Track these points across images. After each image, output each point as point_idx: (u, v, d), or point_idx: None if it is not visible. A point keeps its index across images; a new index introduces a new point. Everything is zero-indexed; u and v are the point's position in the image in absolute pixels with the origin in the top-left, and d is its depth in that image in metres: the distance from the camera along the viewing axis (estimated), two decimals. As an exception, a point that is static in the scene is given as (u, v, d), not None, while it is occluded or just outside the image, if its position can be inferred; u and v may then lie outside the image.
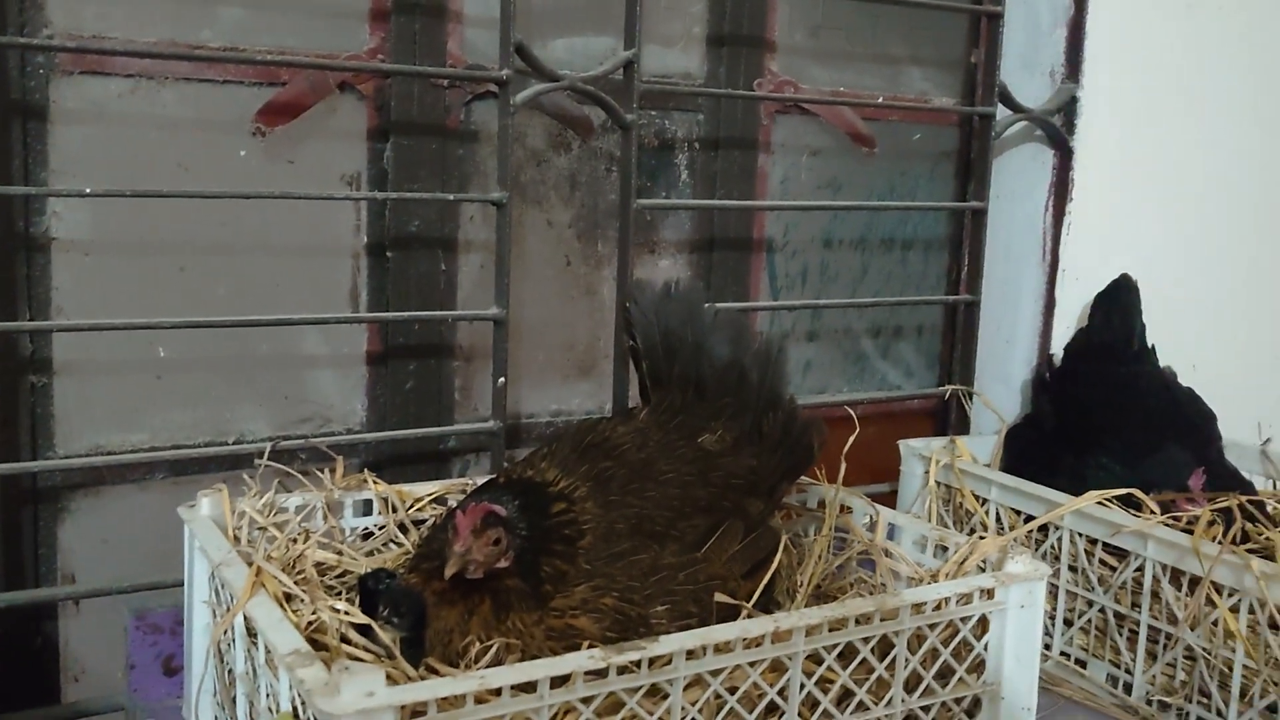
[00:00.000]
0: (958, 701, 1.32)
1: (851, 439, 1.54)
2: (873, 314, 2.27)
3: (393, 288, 1.83)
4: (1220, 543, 1.48)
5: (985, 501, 1.80)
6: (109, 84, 1.62)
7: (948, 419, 2.20)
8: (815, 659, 1.22)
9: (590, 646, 1.15)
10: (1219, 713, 1.49)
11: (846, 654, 1.24)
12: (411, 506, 1.53)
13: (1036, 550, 1.72)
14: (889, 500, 2.01)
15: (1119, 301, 2.03)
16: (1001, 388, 2.22)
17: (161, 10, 1.63)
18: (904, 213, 2.27)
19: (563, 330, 1.98)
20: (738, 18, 2.04)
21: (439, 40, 1.81)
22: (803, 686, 1.20)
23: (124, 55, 1.58)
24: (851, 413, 1.59)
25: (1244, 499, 1.56)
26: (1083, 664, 1.66)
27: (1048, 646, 1.70)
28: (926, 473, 1.88)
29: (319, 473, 1.53)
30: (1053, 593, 1.69)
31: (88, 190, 1.49)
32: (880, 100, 2.18)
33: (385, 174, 1.81)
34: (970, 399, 2.15)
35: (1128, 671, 1.60)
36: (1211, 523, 1.53)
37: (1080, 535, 1.65)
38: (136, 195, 1.52)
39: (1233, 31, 2.24)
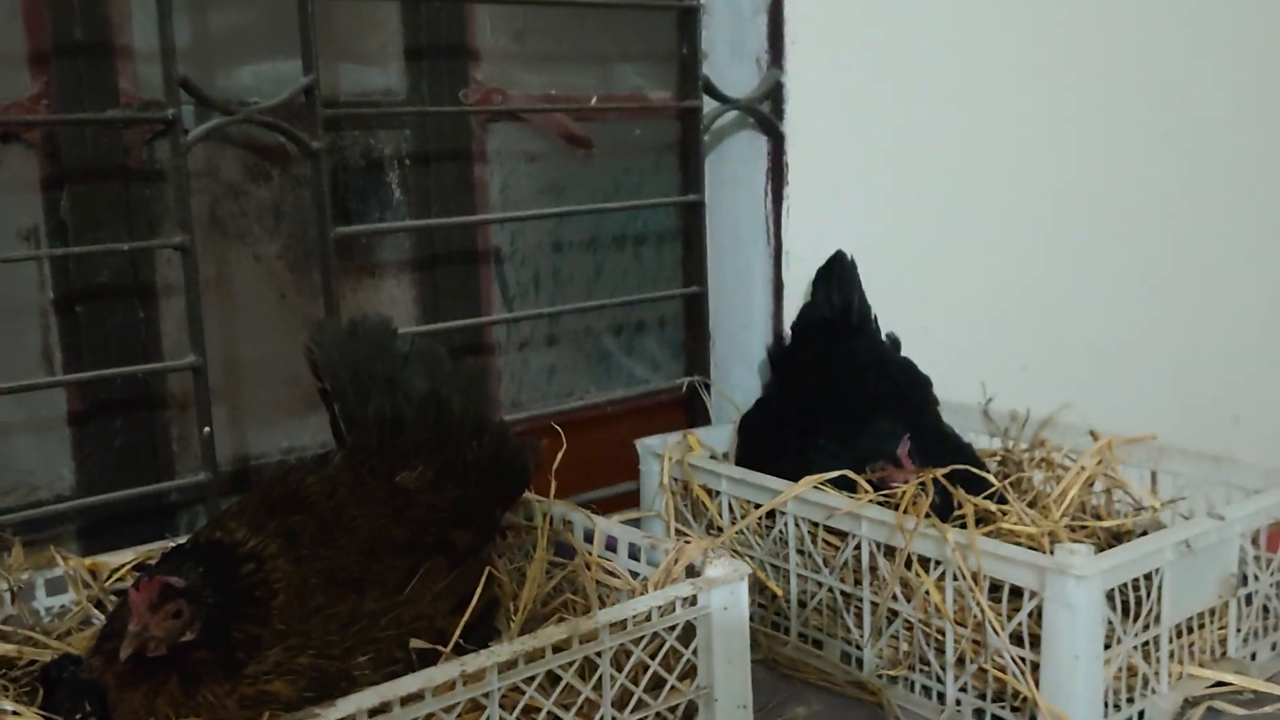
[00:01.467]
0: (672, 710, 1.33)
1: (560, 455, 1.53)
2: (612, 312, 2.27)
3: (88, 342, 1.73)
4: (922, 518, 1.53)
5: (717, 494, 1.82)
6: None
7: (694, 410, 2.23)
8: (518, 689, 1.21)
9: (283, 710, 1.12)
10: (938, 679, 1.55)
11: (553, 679, 1.24)
12: (109, 579, 1.45)
13: (767, 535, 1.75)
14: (638, 500, 2.03)
15: (834, 276, 2.08)
16: (745, 370, 2.26)
17: None
18: (632, 210, 2.27)
19: (284, 365, 1.92)
20: (435, 28, 2.00)
21: (109, 79, 1.72)
22: (504, 722, 1.19)
23: None
24: (558, 428, 1.58)
25: (942, 472, 1.61)
26: (819, 644, 1.70)
27: (786, 630, 1.74)
28: (662, 470, 1.90)
29: (13, 547, 1.45)
30: (786, 577, 1.73)
31: None
32: (594, 100, 2.17)
33: (65, 225, 1.71)
34: (709, 389, 2.18)
35: (859, 648, 1.65)
36: (916, 496, 1.59)
37: (803, 520, 1.68)
38: None
39: (931, 6, 2.31)
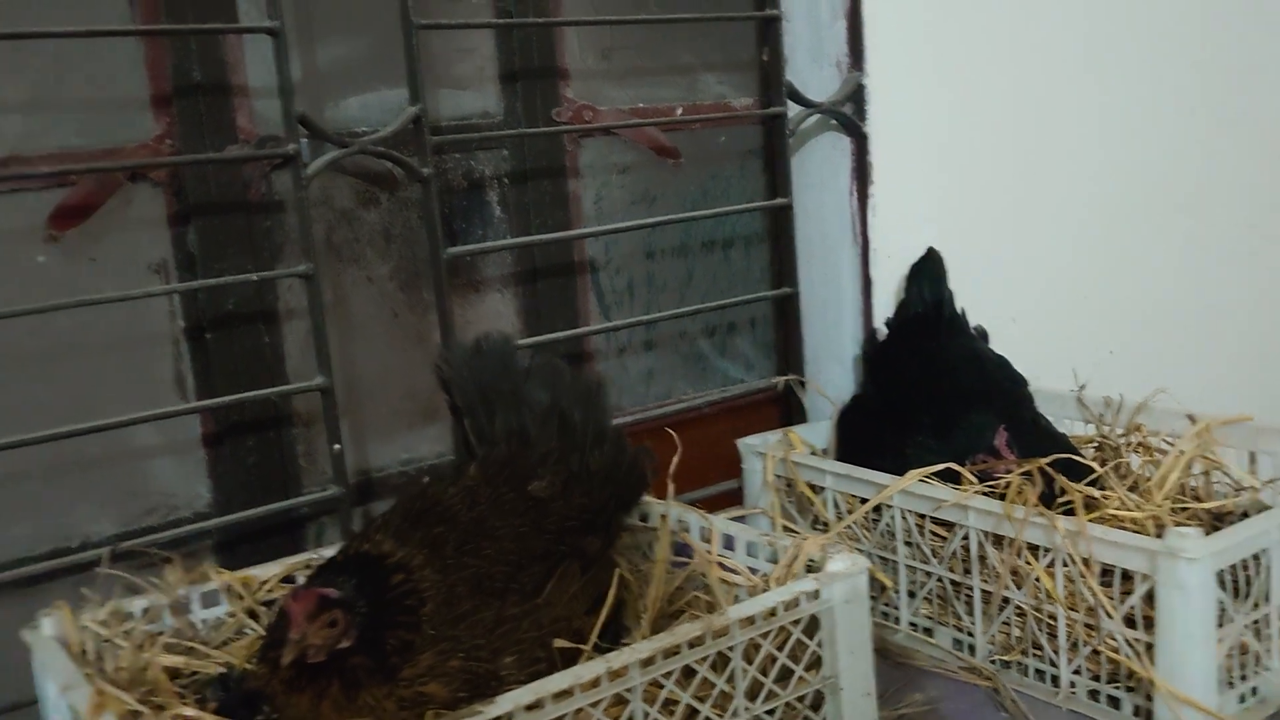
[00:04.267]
0: (801, 700, 1.39)
1: (675, 458, 1.59)
2: (705, 315, 2.33)
3: (218, 367, 1.83)
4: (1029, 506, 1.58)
5: (821, 490, 1.88)
6: (-110, 212, 1.61)
7: (790, 408, 2.29)
8: (657, 684, 1.28)
9: (441, 711, 1.19)
10: (1052, 663, 1.59)
11: (687, 673, 1.30)
12: (258, 590, 1.54)
13: (874, 529, 1.80)
14: (741, 497, 2.09)
15: (926, 273, 2.13)
16: (837, 367, 2.31)
17: (-66, 129, 1.62)
18: (722, 216, 2.33)
19: (400, 381, 2.01)
20: (528, 51, 2.07)
21: (227, 117, 1.81)
22: (646, 715, 1.26)
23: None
24: (672, 433, 1.64)
25: (1045, 461, 1.65)
26: (930, 632, 1.76)
27: (897, 619, 1.80)
28: (765, 468, 1.96)
29: (169, 565, 1.54)
30: (895, 569, 1.78)
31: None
32: (679, 111, 2.24)
33: (193, 257, 1.81)
34: (803, 387, 2.24)
35: (970, 635, 1.69)
36: (1022, 486, 1.63)
37: (910, 512, 1.73)
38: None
39: (1002, 1, 2.35)
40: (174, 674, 1.43)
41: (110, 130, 1.74)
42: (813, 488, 1.90)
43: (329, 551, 1.55)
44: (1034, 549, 1.58)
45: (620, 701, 1.25)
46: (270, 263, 1.85)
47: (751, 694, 1.35)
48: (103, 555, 1.54)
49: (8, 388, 1.69)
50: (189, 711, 1.22)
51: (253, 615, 1.53)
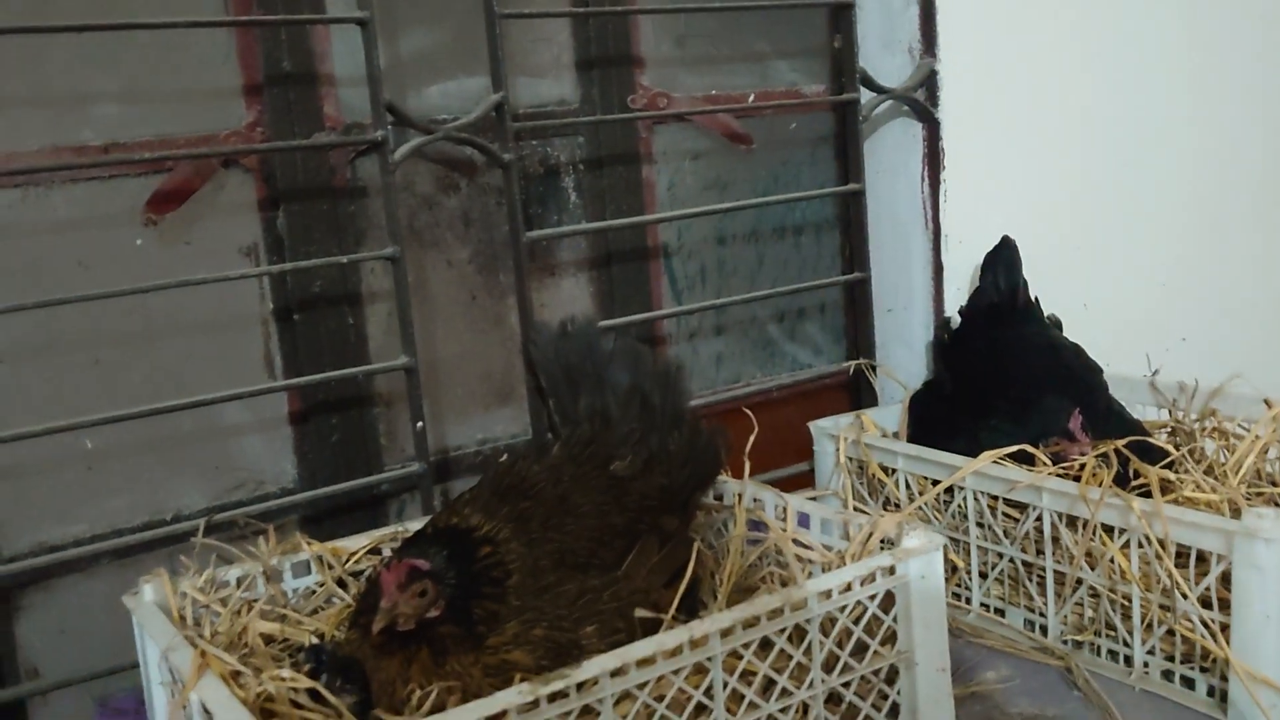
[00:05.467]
0: (875, 673, 1.42)
1: (751, 438, 1.63)
2: (775, 300, 2.36)
3: (304, 347, 1.89)
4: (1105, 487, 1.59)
5: (893, 471, 1.90)
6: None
7: (859, 392, 2.30)
8: (736, 655, 1.31)
9: (524, 678, 1.23)
10: (1125, 644, 1.60)
11: (764, 645, 1.33)
12: (347, 561, 1.60)
13: (945, 510, 1.82)
14: (812, 479, 2.11)
15: (1001, 261, 2.13)
16: (906, 352, 2.33)
17: (40, 117, 1.68)
18: (794, 201, 2.35)
19: (477, 363, 2.05)
20: (603, 39, 2.11)
21: (314, 105, 1.87)
22: (726, 684, 1.29)
23: (6, 174, 1.64)
24: (749, 413, 1.67)
25: (1121, 443, 1.66)
26: (1001, 612, 1.77)
27: (968, 600, 1.81)
28: (838, 450, 1.98)
29: (259, 538, 1.59)
30: (966, 550, 1.80)
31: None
32: (751, 99, 2.26)
33: (281, 240, 1.87)
34: (874, 371, 2.25)
35: (1042, 615, 1.71)
36: (1097, 468, 1.64)
37: (982, 494, 1.75)
38: (41, 305, 1.57)
39: (1078, -15, 2.34)
40: (267, 640, 1.49)
41: (204, 118, 1.80)
42: (884, 470, 1.92)
43: (413, 526, 1.60)
44: (1108, 530, 1.59)
45: (700, 670, 1.29)
46: (355, 247, 1.91)
47: (827, 666, 1.37)
48: (199, 526, 1.60)
49: (107, 366, 1.76)
50: (285, 673, 1.27)
51: (342, 585, 1.58)
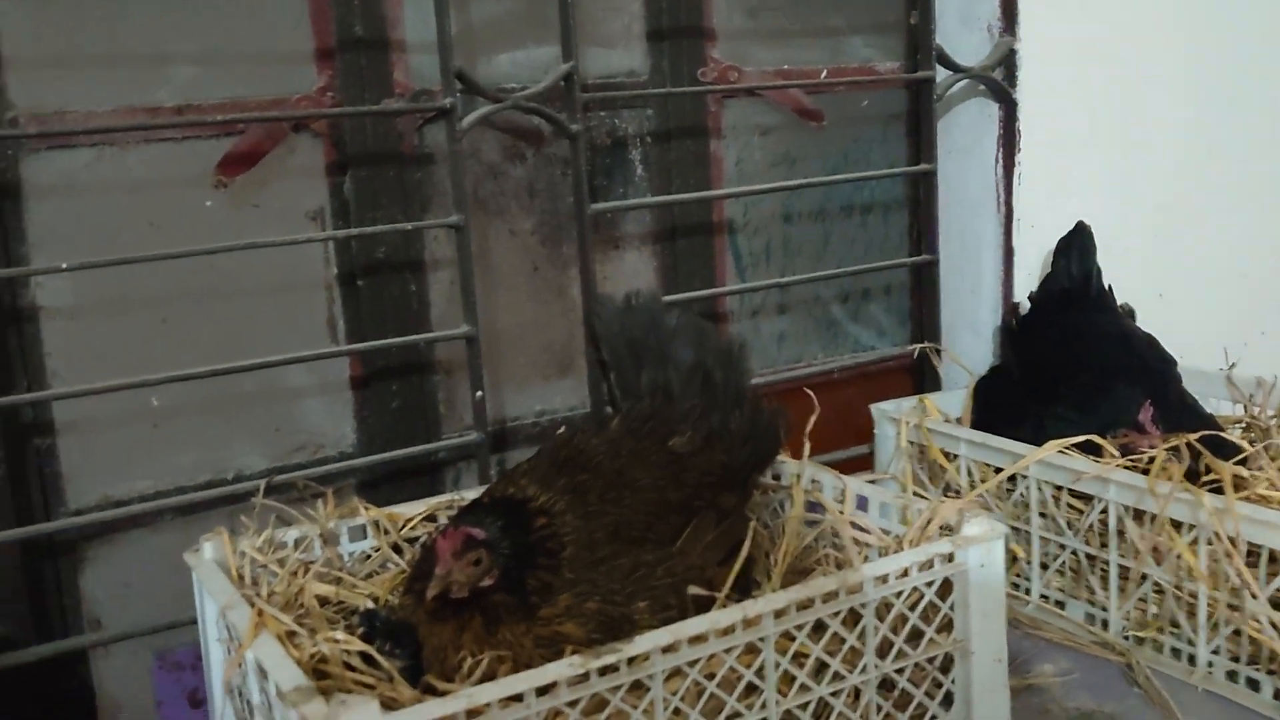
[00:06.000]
0: (930, 661, 1.40)
1: (812, 419, 1.61)
2: (840, 280, 2.33)
3: (367, 313, 1.90)
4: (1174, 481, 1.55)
5: (955, 458, 1.87)
6: (75, 156, 1.70)
7: (923, 376, 2.27)
8: (789, 636, 1.30)
9: (576, 650, 1.23)
10: (1189, 642, 1.57)
11: (818, 628, 1.32)
12: (403, 527, 1.60)
13: (1007, 499, 1.79)
14: (872, 462, 2.09)
15: (1075, 247, 2.09)
16: (972, 337, 2.29)
17: (116, 77, 1.70)
18: (864, 180, 2.32)
19: (538, 334, 2.05)
20: (675, 10, 2.09)
21: (385, 71, 1.87)
22: (777, 665, 1.28)
23: (84, 133, 1.66)
24: (811, 394, 1.64)
25: (1193, 437, 1.62)
26: (1061, 605, 1.74)
27: (1027, 591, 1.78)
28: (899, 434, 1.95)
29: (317, 500, 1.61)
30: (1027, 539, 1.76)
31: (64, 265, 1.57)
32: (824, 74, 2.23)
33: (347, 206, 1.87)
34: (939, 355, 2.22)
35: (1103, 609, 1.67)
36: (1167, 462, 1.60)
37: (1046, 483, 1.72)
38: (112, 264, 1.59)
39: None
40: (322, 602, 1.50)
41: (276, 82, 1.81)
42: (946, 455, 1.89)
43: (469, 494, 1.61)
44: (1176, 525, 1.55)
45: (752, 650, 1.28)
46: (420, 214, 1.91)
47: (881, 652, 1.35)
48: (259, 486, 1.62)
49: (174, 325, 1.78)
50: (339, 635, 1.27)
51: (397, 550, 1.59)
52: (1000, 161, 2.20)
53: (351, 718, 1.05)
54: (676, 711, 1.23)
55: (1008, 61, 2.15)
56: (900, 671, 1.37)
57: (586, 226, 1.85)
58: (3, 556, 1.67)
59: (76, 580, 1.77)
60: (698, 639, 1.23)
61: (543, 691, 1.14)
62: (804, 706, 1.31)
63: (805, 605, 1.29)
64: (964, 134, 2.25)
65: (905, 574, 1.36)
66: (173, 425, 1.80)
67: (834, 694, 1.33)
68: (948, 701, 1.41)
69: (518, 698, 1.13)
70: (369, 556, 1.60)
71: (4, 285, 1.67)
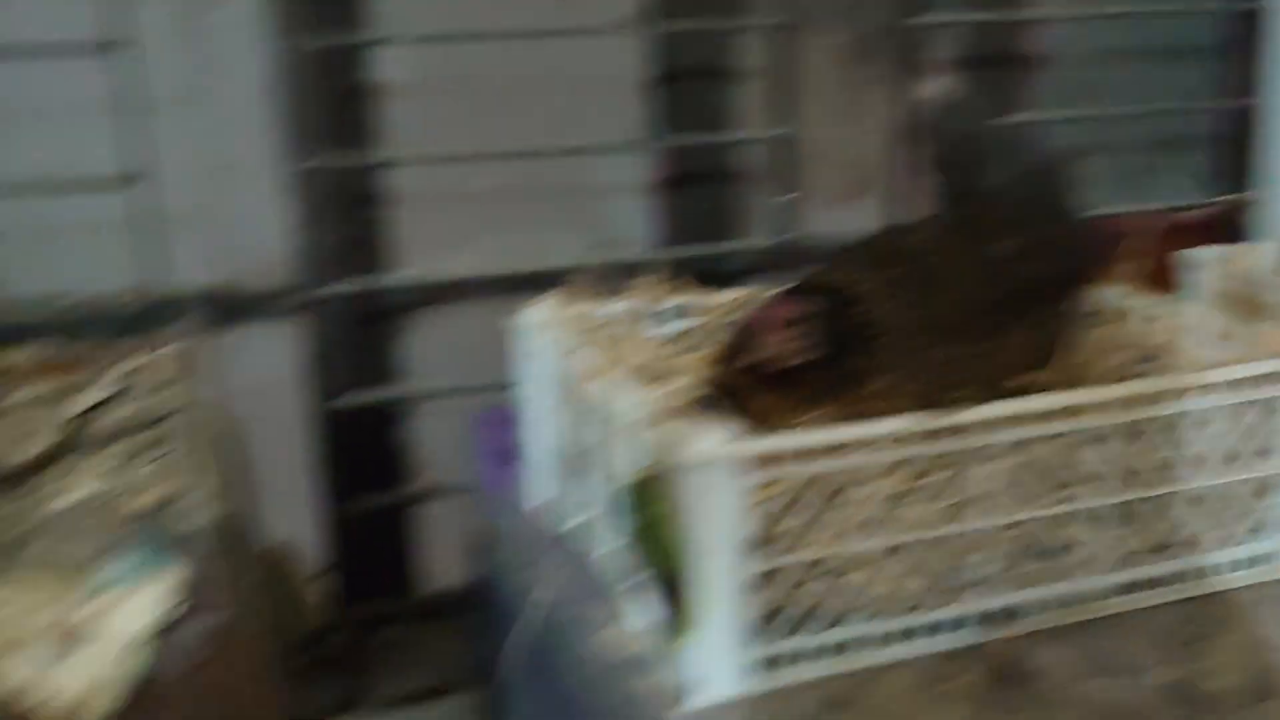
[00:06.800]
0: (1243, 483, 1.38)
1: (1125, 243, 1.58)
2: (1147, 126, 2.24)
3: (677, 114, 1.96)
4: None
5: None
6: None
7: (1231, 230, 2.18)
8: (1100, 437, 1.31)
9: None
10: None
11: (1131, 436, 1.33)
12: (718, 311, 1.67)
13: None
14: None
15: None
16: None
17: None
18: (1170, 19, 2.22)
19: (843, 149, 2.06)
20: None
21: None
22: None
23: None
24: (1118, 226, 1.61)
25: None
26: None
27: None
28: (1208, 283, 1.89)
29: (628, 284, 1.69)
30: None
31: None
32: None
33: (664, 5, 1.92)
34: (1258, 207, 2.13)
35: None
36: None
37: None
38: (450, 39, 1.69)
39: None
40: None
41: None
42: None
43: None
44: None
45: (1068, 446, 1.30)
46: (737, 19, 1.94)
47: (1195, 466, 1.35)
48: (574, 269, 1.70)
49: (487, 114, 1.87)
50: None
51: (709, 333, 1.66)
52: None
53: (710, 438, 1.12)
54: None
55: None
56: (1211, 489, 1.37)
57: (904, 44, 1.83)
58: (345, 312, 1.84)
59: (404, 343, 1.92)
60: (1010, 420, 1.26)
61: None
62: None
63: (1131, 403, 1.30)
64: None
65: (1230, 387, 1.34)
66: (486, 210, 1.91)
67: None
68: (1255, 529, 1.40)
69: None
70: (688, 335, 1.67)
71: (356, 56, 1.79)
